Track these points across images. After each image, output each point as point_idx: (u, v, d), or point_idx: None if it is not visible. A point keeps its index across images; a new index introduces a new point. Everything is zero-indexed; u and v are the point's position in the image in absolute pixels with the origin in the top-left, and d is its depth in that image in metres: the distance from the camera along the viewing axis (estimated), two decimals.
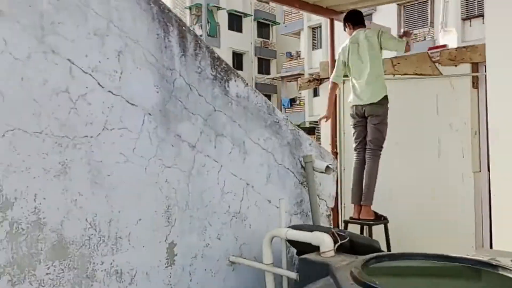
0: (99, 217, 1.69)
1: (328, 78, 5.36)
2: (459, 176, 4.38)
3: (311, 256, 1.79)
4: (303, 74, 33.19)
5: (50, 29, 1.58)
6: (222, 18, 34.97)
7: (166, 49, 1.90)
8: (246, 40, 36.46)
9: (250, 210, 2.19)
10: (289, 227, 2.06)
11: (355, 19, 4.66)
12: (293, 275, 1.91)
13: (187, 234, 1.96)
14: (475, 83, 4.39)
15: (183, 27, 1.96)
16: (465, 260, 1.60)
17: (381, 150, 4.55)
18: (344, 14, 4.83)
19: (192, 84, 1.98)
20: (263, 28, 37.47)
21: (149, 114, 1.84)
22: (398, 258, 1.70)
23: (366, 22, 4.72)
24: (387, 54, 4.72)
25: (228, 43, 35.11)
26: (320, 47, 32.47)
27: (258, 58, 37.66)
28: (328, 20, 5.42)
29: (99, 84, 1.69)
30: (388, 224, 4.45)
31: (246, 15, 36.06)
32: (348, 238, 1.82)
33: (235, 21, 36.14)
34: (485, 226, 4.09)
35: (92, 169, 1.68)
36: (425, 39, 26.16)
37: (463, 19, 19.73)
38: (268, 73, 37.73)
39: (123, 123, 1.76)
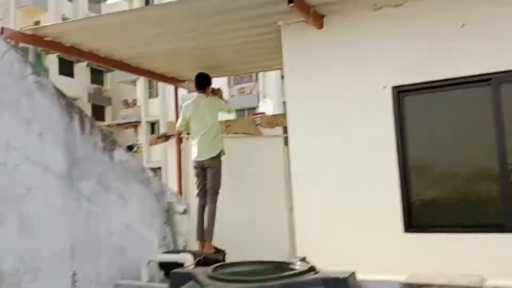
0: (26, 254, 2.33)
1: (174, 135, 6.38)
2: (278, 213, 5.70)
3: (179, 270, 2.66)
4: (140, 122, 33.60)
5: None
6: (52, 63, 33.52)
7: (71, 130, 2.65)
8: (78, 86, 35.41)
9: (130, 244, 2.97)
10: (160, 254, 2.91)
11: (200, 83, 5.78)
12: (166, 286, 2.75)
13: (85, 264, 2.67)
14: (287, 142, 5.83)
15: (83, 113, 2.74)
16: (267, 262, 2.69)
17: (217, 194, 5.69)
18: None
19: (88, 154, 2.75)
20: (97, 74, 36.91)
21: (60, 177, 2.55)
22: (234, 265, 2.70)
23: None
24: (221, 117, 5.95)
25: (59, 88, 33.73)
26: (157, 96, 33.43)
27: (92, 105, 36.77)
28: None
29: (27, 157, 2.37)
30: (226, 256, 5.51)
31: (78, 60, 35.17)
32: (202, 256, 2.76)
33: (67, 67, 34.93)
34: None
35: (21, 219, 2.32)
36: (251, 93, 29.31)
37: None
38: (103, 120, 37.00)
39: (42, 185, 2.44)
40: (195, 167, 5.76)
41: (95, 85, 36.80)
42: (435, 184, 4.00)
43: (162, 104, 32.58)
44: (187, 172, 6.25)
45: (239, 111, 28.20)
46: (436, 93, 3.79)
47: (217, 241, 5.55)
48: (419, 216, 3.95)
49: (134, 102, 34.18)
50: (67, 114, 2.63)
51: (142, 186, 3.08)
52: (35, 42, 4.66)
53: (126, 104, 34.63)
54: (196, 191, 5.78)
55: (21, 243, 2.31)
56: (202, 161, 5.60)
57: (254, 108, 30.27)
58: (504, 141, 3.60)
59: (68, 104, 2.65)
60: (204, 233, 5.63)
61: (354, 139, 4.05)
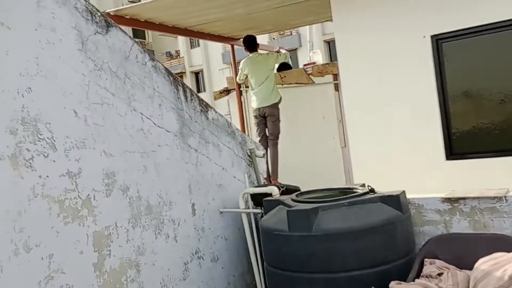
0: (162, 191, 3.24)
1: (234, 89, 7.18)
2: (332, 151, 6.49)
3: (269, 198, 3.54)
4: (184, 72, 34.56)
5: (131, 98, 3.08)
6: None
7: (179, 99, 3.48)
8: None
9: (226, 183, 3.87)
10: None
11: (250, 46, 6.56)
12: (259, 210, 3.65)
13: (199, 198, 3.59)
14: (336, 88, 6.49)
15: (184, 85, 3.56)
16: (336, 188, 3.50)
17: (278, 139, 6.52)
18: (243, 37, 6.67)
19: (191, 116, 3.59)
20: (138, 30, 37.79)
21: (175, 135, 3.42)
22: (310, 192, 3.54)
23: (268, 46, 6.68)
24: (275, 70, 6.67)
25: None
26: (198, 46, 34.04)
27: None
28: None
29: (154, 123, 3.23)
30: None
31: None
32: (285, 187, 3.62)
33: None
34: (351, 177, 6.24)
35: (156, 167, 3.22)
36: (291, 34, 29.37)
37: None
38: None
39: (166, 142, 3.32)
40: (256, 116, 6.59)
41: (137, 39, 37.74)
42: (472, 116, 4.63)
43: (204, 53, 33.28)
44: (249, 121, 7.09)
45: None
46: (471, 38, 4.33)
47: (281, 178, 6.44)
48: (458, 145, 4.62)
49: (178, 54, 35.02)
50: (174, 87, 3.45)
51: (229, 137, 3.92)
52: (119, 21, 5.48)
53: (170, 56, 35.56)
54: (258, 138, 6.64)
55: (158, 184, 3.22)
56: (263, 108, 6.40)
57: (295, 49, 30.38)
58: None
59: (174, 79, 3.46)
60: (270, 173, 6.54)
61: (399, 82, 4.68)
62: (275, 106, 6.46)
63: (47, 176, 2.53)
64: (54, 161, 2.57)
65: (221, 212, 3.79)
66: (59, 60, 2.66)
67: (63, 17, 2.71)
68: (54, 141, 2.58)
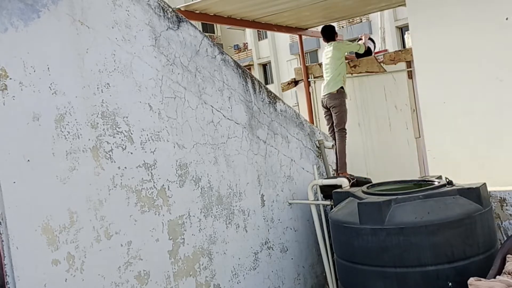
0: (232, 182, 3.30)
1: (302, 80, 7.11)
2: (405, 141, 6.25)
3: (339, 190, 3.48)
4: (252, 65, 34.82)
5: (202, 92, 3.15)
6: None
7: (247, 91, 3.51)
8: None
9: (294, 174, 3.86)
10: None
11: (328, 36, 6.39)
12: (328, 202, 3.61)
13: (268, 189, 3.61)
14: (410, 75, 6.22)
15: (253, 77, 3.58)
16: (410, 180, 3.36)
17: (344, 130, 6.31)
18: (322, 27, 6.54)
19: (260, 108, 3.61)
20: (207, 24, 38.57)
21: (244, 127, 3.45)
22: (382, 184, 3.44)
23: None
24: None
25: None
26: (266, 37, 34.13)
27: None
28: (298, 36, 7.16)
29: (223, 115, 3.29)
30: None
31: None
32: (355, 179, 3.54)
33: None
34: (426, 169, 5.97)
35: (226, 158, 3.27)
36: (361, 21, 28.59)
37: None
38: None
39: (235, 134, 3.37)
40: (322, 107, 6.46)
41: (206, 34, 38.55)
42: None
43: (272, 45, 33.32)
44: (318, 112, 7.01)
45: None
46: None
47: (350, 169, 6.29)
48: None
49: (245, 46, 35.34)
50: (243, 79, 3.48)
51: (298, 129, 3.90)
52: (189, 16, 5.61)
53: (238, 49, 35.98)
54: (327, 129, 6.52)
55: (228, 175, 3.28)
56: (325, 98, 6.22)
57: None
58: None
59: (243, 71, 3.50)
60: (337, 166, 6.39)
61: (481, 67, 4.37)
62: (334, 97, 6.20)
63: (125, 167, 2.66)
64: (131, 153, 2.70)
65: (290, 204, 3.79)
66: (134, 56, 2.78)
67: (137, 14, 2.82)
68: (131, 134, 2.71)
